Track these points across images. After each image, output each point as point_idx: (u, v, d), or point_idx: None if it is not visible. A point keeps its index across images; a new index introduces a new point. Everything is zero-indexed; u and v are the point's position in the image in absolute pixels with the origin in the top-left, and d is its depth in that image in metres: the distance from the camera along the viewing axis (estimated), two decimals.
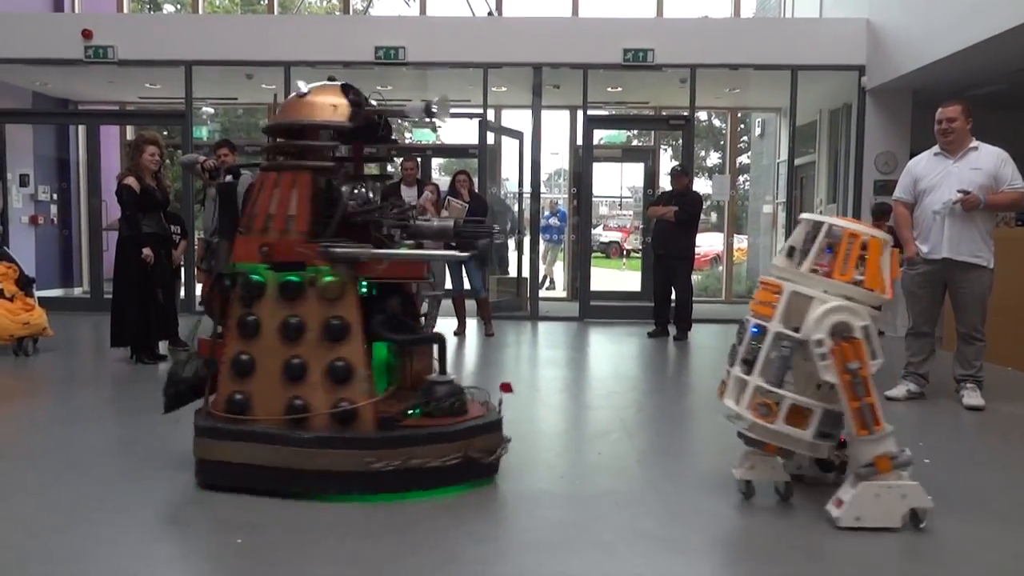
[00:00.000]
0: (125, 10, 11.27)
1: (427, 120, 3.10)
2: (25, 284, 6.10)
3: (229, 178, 6.01)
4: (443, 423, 2.90)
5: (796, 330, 2.60)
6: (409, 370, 3.20)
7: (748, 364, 2.69)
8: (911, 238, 4.63)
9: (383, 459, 2.76)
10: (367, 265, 2.92)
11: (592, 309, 9.06)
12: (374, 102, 3.16)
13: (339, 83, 3.07)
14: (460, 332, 7.36)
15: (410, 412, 2.93)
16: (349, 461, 2.77)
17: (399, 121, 14.94)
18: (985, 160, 4.43)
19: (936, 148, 4.60)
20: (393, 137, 3.32)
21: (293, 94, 3.08)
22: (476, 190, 7.67)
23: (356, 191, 3.05)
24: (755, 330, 2.71)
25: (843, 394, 2.56)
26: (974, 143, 4.50)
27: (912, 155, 5.07)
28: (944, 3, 6.98)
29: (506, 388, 3.13)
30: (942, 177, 4.48)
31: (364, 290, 3.00)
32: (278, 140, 3.19)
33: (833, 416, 2.62)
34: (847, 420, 2.59)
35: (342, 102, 3.00)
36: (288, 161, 3.08)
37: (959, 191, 4.35)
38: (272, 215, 2.96)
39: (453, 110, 3.23)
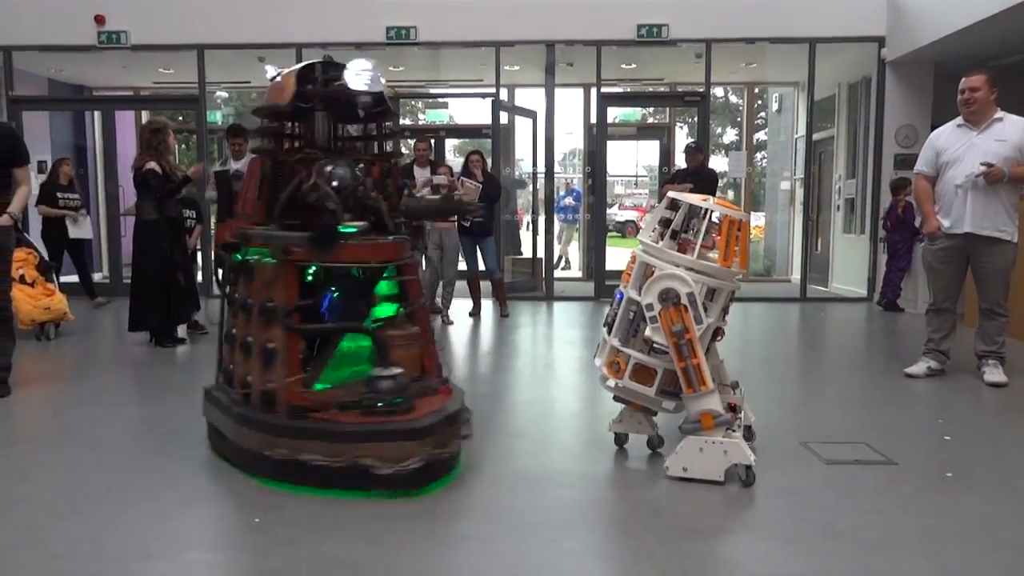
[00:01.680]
0: None
1: (358, 90, 2.92)
2: (45, 269, 6.18)
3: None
4: (345, 420, 2.71)
5: None
6: (419, 358, 3.04)
7: (609, 327, 3.00)
8: (932, 212, 4.54)
9: (277, 447, 2.72)
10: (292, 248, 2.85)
11: (608, 289, 9.01)
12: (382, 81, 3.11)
13: (307, 63, 3.06)
14: (475, 313, 7.36)
15: (347, 405, 2.75)
16: (256, 442, 2.79)
17: (413, 102, 14.87)
18: (1010, 131, 4.31)
19: (959, 119, 4.48)
20: (402, 119, 3.29)
21: (266, 79, 3.18)
22: (489, 170, 7.64)
23: (337, 171, 2.96)
24: (619, 296, 2.99)
25: (672, 354, 2.76)
26: (999, 114, 4.38)
27: (933, 128, 4.96)
28: None
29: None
30: (965, 149, 4.37)
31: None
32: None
33: (675, 376, 2.82)
34: (680, 378, 2.79)
35: (290, 83, 2.99)
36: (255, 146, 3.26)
37: (982, 164, 4.25)
38: (244, 199, 3.12)
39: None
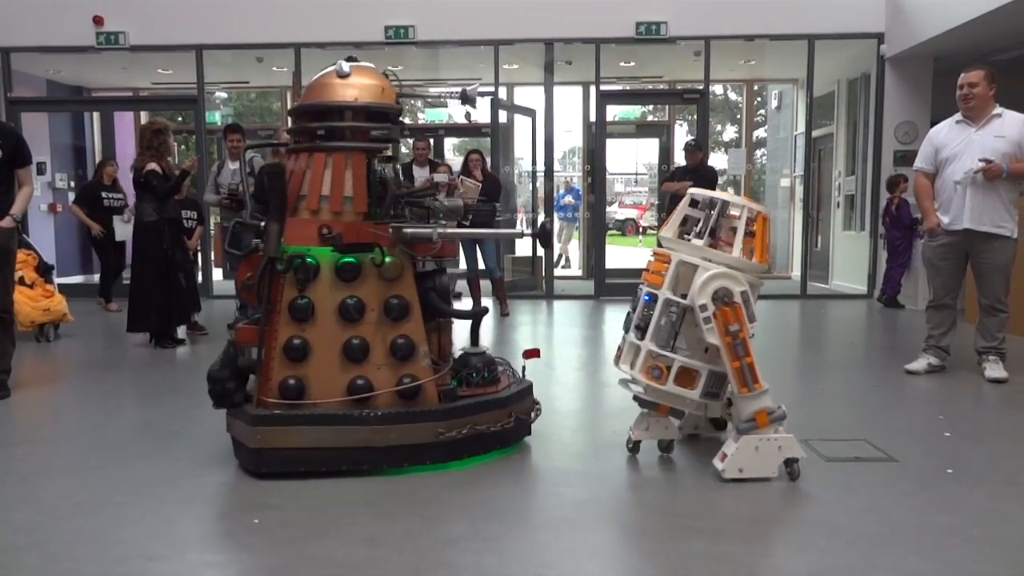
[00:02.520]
0: None
1: (462, 105, 3.23)
2: (44, 271, 6.18)
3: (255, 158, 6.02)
4: (488, 391, 3.08)
5: (684, 297, 2.78)
6: (437, 344, 3.22)
7: (641, 330, 2.86)
8: (931, 209, 4.53)
9: (453, 428, 2.90)
10: (421, 245, 2.97)
11: (608, 287, 9.03)
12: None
13: (362, 64, 3.06)
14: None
15: (451, 383, 3.05)
16: (421, 433, 2.87)
17: (411, 101, 14.89)
18: (1009, 127, 4.31)
19: (958, 116, 4.48)
20: (402, 118, 3.30)
21: (324, 73, 3.04)
22: (489, 169, 7.63)
23: (395, 173, 3.12)
24: (647, 298, 2.88)
25: (725, 355, 2.73)
26: (998, 109, 4.37)
27: (933, 124, 4.96)
28: None
29: (532, 354, 3.31)
30: (964, 145, 4.37)
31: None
32: (324, 122, 3.02)
33: (718, 377, 2.82)
34: (730, 379, 2.77)
35: (386, 85, 3.03)
36: (336, 143, 2.99)
37: (980, 160, 4.25)
38: (326, 196, 2.94)
39: (481, 90, 3.31)
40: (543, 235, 3.31)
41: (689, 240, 2.85)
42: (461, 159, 7.66)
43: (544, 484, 2.86)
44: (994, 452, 3.20)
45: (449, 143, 14.76)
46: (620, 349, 2.99)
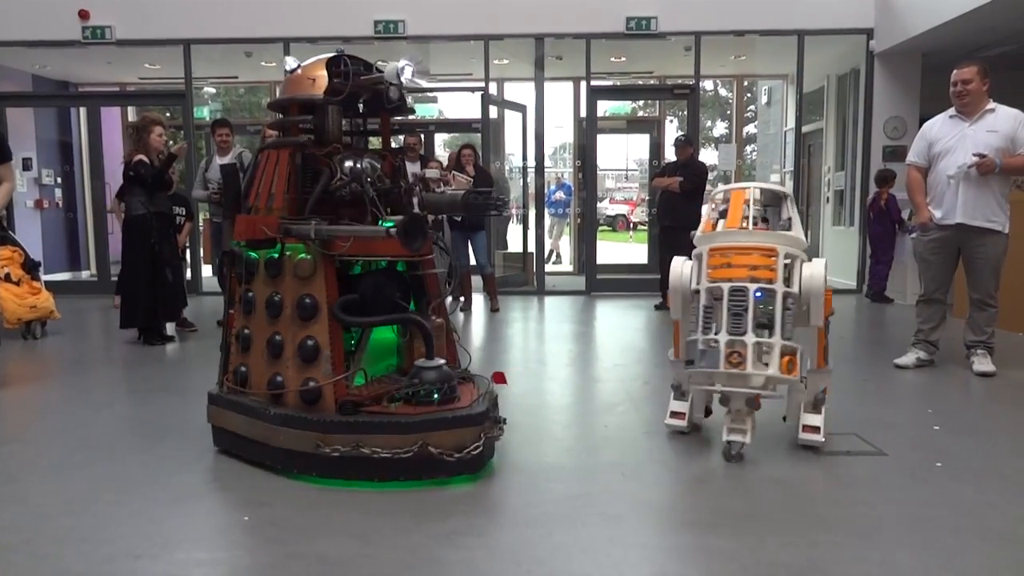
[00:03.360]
0: None
1: (394, 84, 2.97)
2: (31, 268, 6.13)
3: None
4: (405, 412, 2.75)
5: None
6: (414, 352, 3.08)
7: (766, 327, 2.80)
8: (924, 204, 4.55)
9: (332, 444, 2.69)
10: (335, 243, 2.82)
11: (599, 283, 9.04)
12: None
13: (329, 55, 3.00)
14: (466, 308, 7.35)
15: (396, 397, 2.83)
16: (303, 441, 2.74)
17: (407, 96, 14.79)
18: (1002, 122, 4.32)
19: (952, 111, 4.49)
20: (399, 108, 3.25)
21: (285, 70, 3.08)
22: (481, 164, 7.61)
23: (357, 165, 2.97)
24: (759, 295, 2.81)
25: (821, 334, 3.01)
26: (991, 105, 4.39)
27: (922, 120, 4.98)
28: None
29: (499, 379, 2.99)
30: (957, 140, 4.38)
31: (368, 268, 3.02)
32: (274, 119, 3.24)
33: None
34: (811, 357, 2.98)
35: (322, 75, 2.95)
36: (272, 140, 3.16)
37: (974, 154, 4.26)
38: (259, 194, 3.01)
39: (428, 82, 3.12)
40: (404, 232, 2.68)
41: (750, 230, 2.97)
42: (446, 154, 7.64)
43: (535, 479, 2.86)
44: (982, 445, 3.22)
45: (439, 139, 14.71)
46: (738, 354, 2.78)
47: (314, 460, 2.73)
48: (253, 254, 2.97)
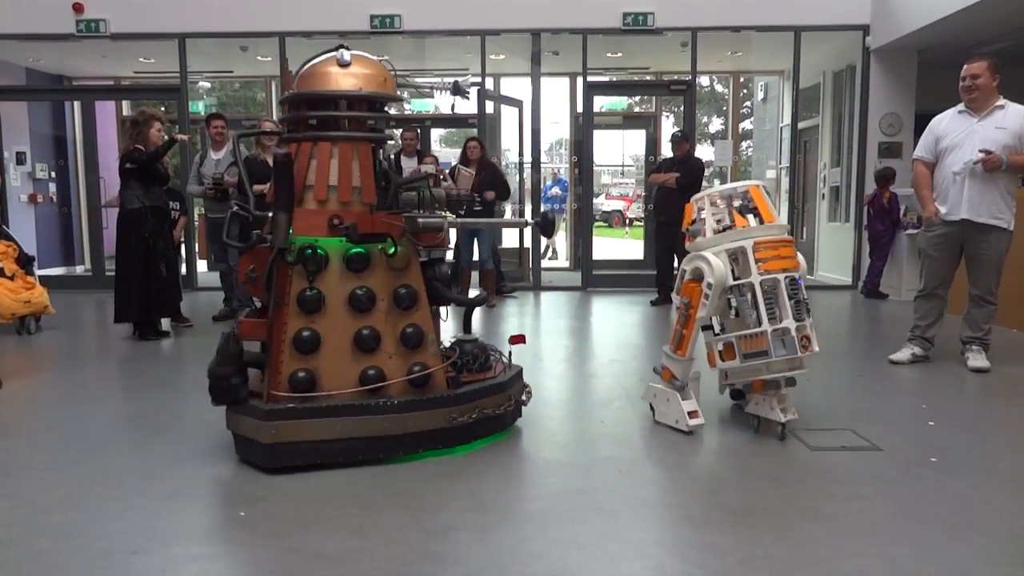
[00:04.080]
0: None
1: (452, 96, 3.23)
2: (25, 263, 6.10)
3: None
4: (486, 377, 3.16)
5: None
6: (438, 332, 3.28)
7: (802, 312, 3.09)
8: (930, 198, 4.52)
9: (463, 413, 2.98)
10: (427, 235, 2.99)
11: (595, 278, 9.04)
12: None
13: (361, 53, 3.03)
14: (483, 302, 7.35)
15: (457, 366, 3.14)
16: (435, 419, 2.93)
17: (398, 91, 14.79)
18: (1011, 119, 4.30)
19: (960, 106, 4.48)
20: (388, 109, 3.27)
21: (319, 60, 2.97)
22: (488, 157, 7.55)
23: (388, 163, 3.11)
24: (799, 281, 3.14)
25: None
26: (1000, 101, 4.37)
27: (917, 116, 4.99)
28: None
29: (518, 340, 3.44)
30: (965, 136, 4.37)
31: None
32: (321, 111, 2.98)
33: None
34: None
35: (387, 75, 3.01)
36: (339, 132, 2.96)
37: (980, 150, 4.25)
38: (333, 186, 2.91)
39: (473, 81, 3.34)
40: (544, 224, 3.36)
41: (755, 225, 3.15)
42: (443, 150, 7.61)
43: (532, 474, 2.86)
44: (977, 441, 3.23)
45: (436, 134, 14.69)
46: (807, 338, 3.09)
47: (444, 434, 2.96)
48: (321, 250, 2.84)
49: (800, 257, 3.20)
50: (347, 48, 3.00)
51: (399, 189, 3.08)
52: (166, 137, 5.84)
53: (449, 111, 3.48)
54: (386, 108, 3.19)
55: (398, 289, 2.94)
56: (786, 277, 3.06)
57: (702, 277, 3.11)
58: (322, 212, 2.89)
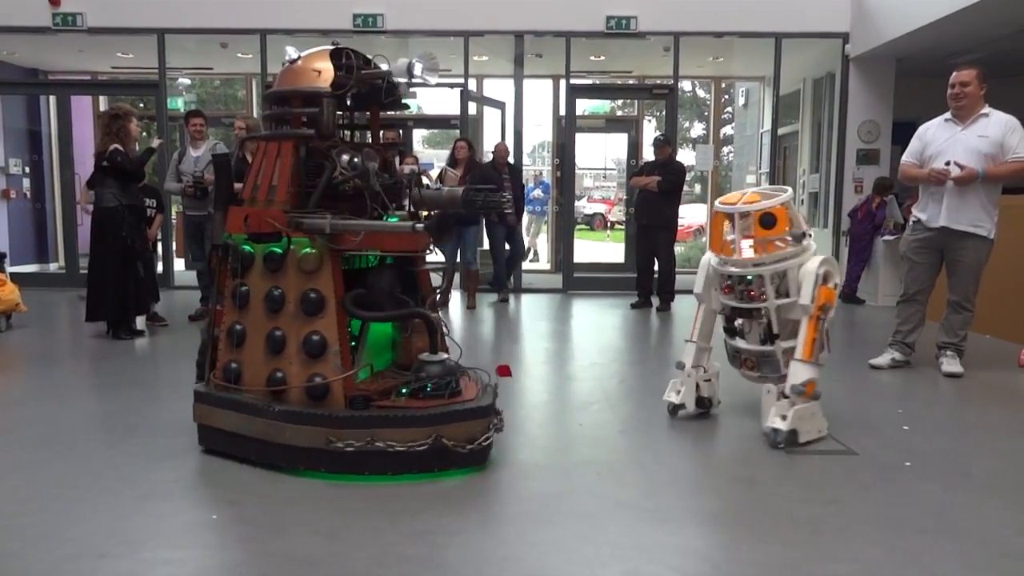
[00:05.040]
0: None
1: (409, 81, 2.99)
2: None
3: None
4: (416, 406, 2.76)
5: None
6: (411, 347, 3.08)
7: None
8: (925, 173, 4.47)
9: (346, 439, 2.68)
10: (343, 237, 2.81)
11: (575, 281, 9.04)
12: (383, 67, 3.05)
13: (331, 48, 2.97)
14: (444, 304, 7.31)
15: (403, 391, 2.82)
16: (313, 437, 2.71)
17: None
18: (993, 127, 4.34)
19: (947, 114, 4.52)
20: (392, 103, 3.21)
21: (285, 61, 3.00)
22: (476, 159, 7.52)
23: (353, 160, 2.94)
24: None
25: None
26: (985, 109, 4.41)
27: (895, 124, 5.03)
28: None
29: (504, 372, 3.13)
30: (948, 144, 4.41)
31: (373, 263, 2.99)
32: (272, 109, 3.06)
33: None
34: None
35: (327, 67, 2.92)
36: (272, 131, 3.01)
37: (955, 163, 4.29)
38: (258, 186, 2.92)
39: (438, 79, 3.12)
40: (439, 228, 2.84)
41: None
42: (426, 151, 7.58)
43: (510, 477, 2.84)
44: (950, 445, 3.27)
45: (418, 134, 14.64)
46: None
47: (324, 456, 2.70)
48: (248, 247, 2.88)
49: None
50: (337, 44, 2.97)
51: (339, 187, 2.90)
52: (145, 136, 5.77)
53: (409, 97, 3.24)
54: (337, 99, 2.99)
55: (307, 293, 2.80)
56: None
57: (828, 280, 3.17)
58: (242, 211, 2.94)
